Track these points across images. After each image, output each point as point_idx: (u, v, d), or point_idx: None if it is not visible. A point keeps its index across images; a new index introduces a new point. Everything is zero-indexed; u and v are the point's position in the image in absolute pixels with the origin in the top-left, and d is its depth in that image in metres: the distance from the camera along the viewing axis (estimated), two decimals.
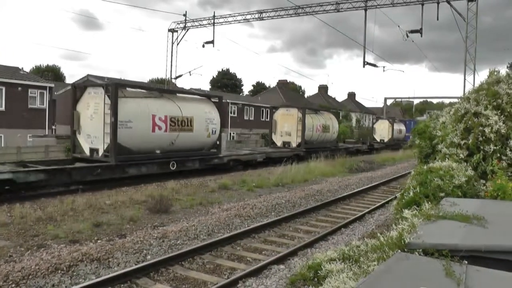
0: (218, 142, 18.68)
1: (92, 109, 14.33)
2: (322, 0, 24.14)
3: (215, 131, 18.24)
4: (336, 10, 23.98)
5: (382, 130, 44.35)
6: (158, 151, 15.55)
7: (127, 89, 15.11)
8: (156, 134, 15.25)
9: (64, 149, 19.96)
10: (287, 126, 25.60)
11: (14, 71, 28.74)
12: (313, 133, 26.82)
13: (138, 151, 14.80)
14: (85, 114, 14.59)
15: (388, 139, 44.46)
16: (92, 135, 14.39)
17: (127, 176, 14.52)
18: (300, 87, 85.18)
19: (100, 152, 14.12)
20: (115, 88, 13.70)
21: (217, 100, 19.17)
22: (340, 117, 43.99)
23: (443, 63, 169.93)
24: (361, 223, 10.47)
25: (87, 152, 14.61)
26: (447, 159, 7.73)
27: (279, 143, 25.88)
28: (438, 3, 21.17)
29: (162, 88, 21.81)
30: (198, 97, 19.45)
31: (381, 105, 65.66)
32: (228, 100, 43.28)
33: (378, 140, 43.71)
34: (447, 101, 47.66)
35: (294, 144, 25.40)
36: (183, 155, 16.72)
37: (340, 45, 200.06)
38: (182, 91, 25.02)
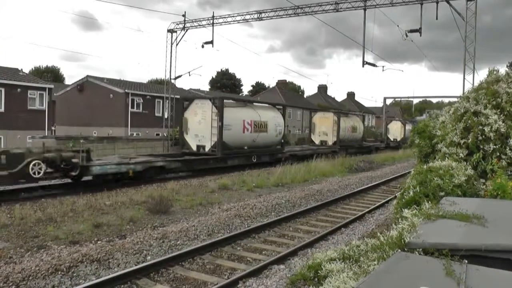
0: (282, 141, 23.84)
1: (200, 116, 19.19)
2: (321, 0, 24.14)
3: (281, 132, 23.32)
4: (335, 10, 23.96)
5: (395, 130, 48.24)
6: (246, 147, 20.49)
7: (225, 101, 19.62)
8: (245, 134, 20.33)
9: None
10: (324, 128, 30.58)
11: (14, 72, 28.74)
12: (345, 133, 31.66)
13: (234, 147, 19.59)
14: (193, 120, 19.44)
15: (400, 138, 47.60)
16: (200, 135, 19.21)
17: (226, 166, 18.78)
18: (299, 87, 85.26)
19: (207, 148, 18.93)
20: (221, 101, 18.84)
21: (281, 107, 25.03)
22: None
23: (443, 63, 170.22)
24: (361, 222, 10.47)
25: (194, 148, 19.44)
26: (446, 158, 7.73)
27: (317, 142, 30.72)
28: (437, 2, 21.15)
29: (247, 99, 27.96)
30: (267, 105, 24.45)
31: (380, 104, 65.76)
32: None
33: (392, 139, 47.86)
34: (446, 100, 48.74)
35: (330, 143, 30.17)
36: (260, 150, 21.64)
37: (340, 44, 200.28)
38: (257, 101, 30.56)
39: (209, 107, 18.88)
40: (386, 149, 42.46)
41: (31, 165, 11.59)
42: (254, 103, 23.81)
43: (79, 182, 13.64)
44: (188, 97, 22.05)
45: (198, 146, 19.26)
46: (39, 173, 11.82)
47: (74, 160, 12.70)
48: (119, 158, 15.61)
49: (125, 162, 14.61)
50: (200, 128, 19.16)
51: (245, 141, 20.41)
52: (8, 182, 11.88)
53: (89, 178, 13.80)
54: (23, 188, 12.27)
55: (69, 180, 13.65)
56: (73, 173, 12.96)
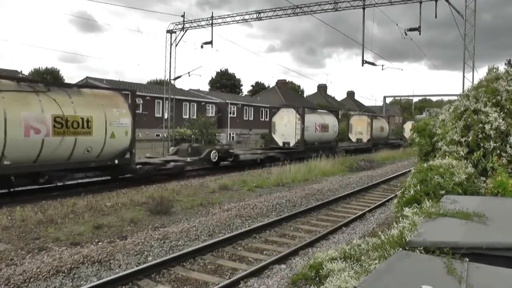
0: (337, 138, 31.44)
1: (286, 120, 26.54)
2: (320, 0, 24.12)
3: (336, 131, 30.95)
4: (334, 9, 23.94)
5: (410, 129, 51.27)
6: (316, 143, 27.75)
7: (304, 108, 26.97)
8: (316, 133, 27.99)
9: None
10: (360, 128, 37.87)
11: (13, 75, 28.72)
12: (375, 132, 38.84)
13: (310, 143, 26.87)
14: (280, 123, 26.87)
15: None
16: (286, 135, 26.59)
17: (306, 157, 23.62)
18: (299, 86, 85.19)
19: (292, 144, 26.32)
20: (303, 109, 26.57)
21: (335, 110, 33.48)
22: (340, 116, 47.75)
23: (442, 61, 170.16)
24: (362, 222, 10.47)
25: (280, 144, 26.75)
26: (447, 156, 7.72)
27: (354, 140, 37.91)
28: (436, 1, 21.15)
29: (314, 107, 35.94)
30: (325, 111, 32.12)
31: (380, 103, 65.83)
32: (227, 101, 43.32)
33: (407, 137, 49.69)
34: (446, 98, 49.33)
35: (365, 140, 37.47)
36: (324, 146, 28.31)
37: (340, 44, 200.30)
38: (318, 107, 38.31)
39: (293, 114, 26.23)
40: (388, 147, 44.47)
41: (211, 154, 19.28)
42: (318, 110, 32.17)
43: (229, 165, 20.66)
44: (275, 106, 30.08)
45: (283, 143, 26.30)
46: (214, 158, 19.41)
47: (231, 151, 20.65)
48: (251, 151, 24.24)
49: (255, 153, 22.69)
50: (285, 129, 26.69)
51: (315, 139, 27.94)
52: (198, 164, 19.08)
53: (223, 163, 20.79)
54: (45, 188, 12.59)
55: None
56: (230, 159, 20.49)
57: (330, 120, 30.24)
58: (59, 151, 12.17)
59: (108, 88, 16.72)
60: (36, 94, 11.70)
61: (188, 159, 18.09)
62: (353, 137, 37.99)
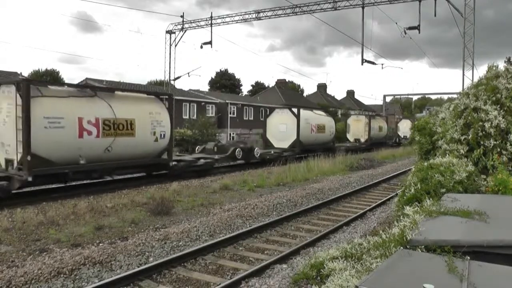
0: (334, 139, 32.64)
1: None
2: None
3: (333, 132, 31.76)
4: (333, 9, 23.96)
5: (405, 128, 51.07)
6: (312, 145, 28.01)
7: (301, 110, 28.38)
8: (312, 134, 28.02)
9: None
10: (357, 128, 37.92)
11: (13, 76, 28.71)
12: (374, 132, 39.20)
13: (307, 144, 27.06)
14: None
15: (409, 135, 50.49)
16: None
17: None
18: (299, 86, 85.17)
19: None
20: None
21: (332, 111, 38.55)
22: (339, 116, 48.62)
23: (443, 59, 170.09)
24: (363, 220, 10.47)
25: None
26: (447, 155, 7.72)
27: (351, 140, 37.91)
28: None
29: (310, 107, 38.23)
30: (322, 111, 33.11)
31: (380, 102, 65.80)
32: (227, 101, 43.32)
33: (402, 136, 51.19)
34: (445, 97, 49.36)
35: (362, 140, 37.46)
36: (320, 146, 28.83)
37: (340, 42, 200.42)
38: (315, 108, 39.75)
39: (290, 115, 25.91)
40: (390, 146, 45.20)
41: (236, 151, 21.35)
42: (314, 110, 31.56)
43: (250, 163, 22.06)
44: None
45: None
46: (239, 155, 21.48)
47: (255, 149, 22.68)
48: (269, 149, 25.30)
49: (276, 151, 24.23)
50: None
51: (312, 140, 27.69)
52: (225, 161, 21.07)
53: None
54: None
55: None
56: (257, 156, 22.40)
57: (327, 121, 30.04)
58: (112, 151, 13.61)
59: (148, 92, 17.72)
60: (91, 97, 13.34)
61: (216, 157, 19.81)
62: (350, 138, 38.09)
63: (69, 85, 14.35)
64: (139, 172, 15.94)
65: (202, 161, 17.96)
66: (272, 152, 23.81)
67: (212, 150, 21.41)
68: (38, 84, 12.78)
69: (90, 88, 14.56)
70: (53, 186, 13.32)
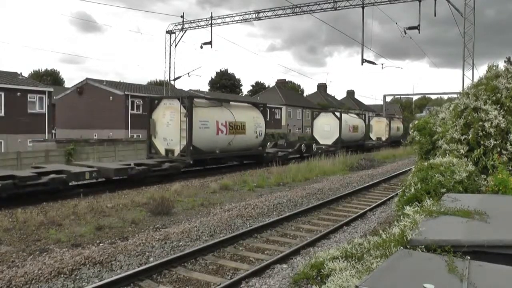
0: (364, 137, 38.23)
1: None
2: None
3: (363, 132, 37.54)
4: (333, 9, 23.96)
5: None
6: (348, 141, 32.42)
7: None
8: (349, 133, 33.52)
9: (64, 153, 19.92)
10: (379, 128, 43.30)
11: (13, 76, 28.72)
12: (393, 132, 44.31)
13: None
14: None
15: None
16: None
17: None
18: (299, 86, 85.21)
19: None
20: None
21: (363, 114, 44.28)
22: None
23: (443, 59, 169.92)
24: (363, 220, 10.47)
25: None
26: (447, 155, 7.72)
27: (374, 138, 42.86)
28: None
29: (346, 111, 40.86)
30: (355, 114, 38.88)
31: (380, 102, 65.81)
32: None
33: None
34: (445, 97, 49.64)
35: (384, 139, 42.40)
36: (354, 143, 34.04)
37: (341, 42, 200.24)
38: (349, 111, 44.62)
39: (332, 117, 32.03)
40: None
41: (301, 146, 26.01)
42: (350, 114, 37.29)
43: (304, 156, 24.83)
44: (317, 109, 39.13)
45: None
46: (303, 150, 25.80)
47: (313, 145, 27.33)
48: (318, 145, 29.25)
49: (328, 148, 29.24)
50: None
51: (349, 138, 33.33)
52: (294, 154, 25.10)
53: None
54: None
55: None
56: (314, 150, 26.59)
57: (359, 122, 37.28)
58: (234, 144, 19.50)
59: (249, 102, 24.44)
60: (215, 106, 19.08)
61: (290, 150, 25.28)
62: (373, 136, 42.90)
63: (207, 98, 21.46)
64: (245, 160, 21.68)
65: (280, 153, 23.56)
66: (323, 147, 29.12)
67: (283, 145, 26.64)
68: (192, 99, 17.64)
69: (218, 100, 20.44)
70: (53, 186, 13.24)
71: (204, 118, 17.56)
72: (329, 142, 31.05)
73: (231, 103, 20.66)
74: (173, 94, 28.41)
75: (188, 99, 16.99)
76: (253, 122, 20.62)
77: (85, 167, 13.85)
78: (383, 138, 42.44)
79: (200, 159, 17.85)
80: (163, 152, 17.49)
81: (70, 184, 13.13)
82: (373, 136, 42.91)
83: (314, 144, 27.90)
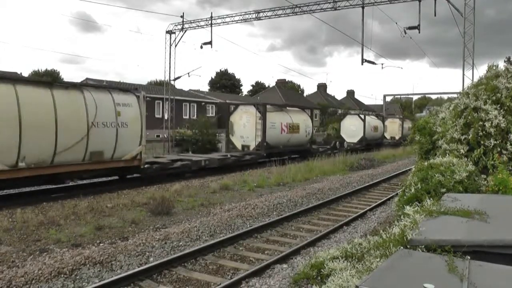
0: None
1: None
2: None
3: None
4: (333, 9, 23.94)
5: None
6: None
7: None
8: (371, 132, 37.27)
9: None
10: (393, 128, 46.57)
11: (14, 76, 28.65)
12: (405, 132, 45.39)
13: (405, 138, 31.11)
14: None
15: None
16: (393, 133, 45.84)
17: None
18: (299, 86, 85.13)
19: (397, 138, 44.31)
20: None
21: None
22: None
23: (443, 59, 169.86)
24: (363, 220, 10.47)
25: (388, 138, 44.79)
26: (447, 154, 7.72)
27: (388, 137, 45.67)
28: None
29: (281, 104, 37.65)
30: (296, 109, 32.84)
31: (380, 102, 65.87)
32: (227, 101, 43.31)
33: (388, 137, 56.06)
34: (446, 97, 50.04)
35: (397, 138, 45.17)
36: (375, 142, 38.17)
37: (341, 42, 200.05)
38: (286, 105, 41.46)
39: (358, 118, 36.87)
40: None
41: (336, 144, 32.70)
42: (371, 116, 41.32)
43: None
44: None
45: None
46: (338, 146, 31.50)
47: (345, 143, 33.15)
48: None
49: (352, 145, 34.01)
50: (393, 131, 43.87)
51: (371, 137, 38.02)
52: (331, 150, 30.35)
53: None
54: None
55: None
56: (345, 147, 31.67)
57: (378, 123, 40.72)
58: (292, 141, 24.85)
59: (299, 106, 29.64)
60: (280, 110, 24.64)
61: (328, 146, 30.55)
62: (387, 136, 46.39)
63: (271, 104, 25.07)
64: (295, 155, 25.29)
65: (321, 149, 28.71)
66: (351, 145, 34.21)
67: (321, 143, 32.28)
68: (265, 106, 22.54)
69: (278, 106, 25.86)
70: (53, 186, 13.30)
71: (272, 120, 22.72)
72: (355, 140, 35.93)
73: (287, 108, 26.01)
74: (173, 93, 28.42)
75: (262, 106, 22.37)
76: (304, 123, 26.00)
77: (198, 157, 18.60)
78: (397, 137, 45.76)
79: (269, 153, 22.53)
80: (239, 147, 22.68)
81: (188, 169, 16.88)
82: (387, 135, 46.16)
83: (345, 142, 33.94)
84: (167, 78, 28.41)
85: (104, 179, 14.64)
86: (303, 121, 26.05)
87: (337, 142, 32.29)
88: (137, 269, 6.42)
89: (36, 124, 11.05)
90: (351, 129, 36.41)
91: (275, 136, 22.83)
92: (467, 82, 18.56)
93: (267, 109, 22.47)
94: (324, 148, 29.56)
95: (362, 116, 37.01)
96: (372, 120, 39.86)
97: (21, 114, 10.71)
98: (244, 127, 22.47)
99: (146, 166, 14.86)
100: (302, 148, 26.02)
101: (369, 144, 36.69)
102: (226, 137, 23.70)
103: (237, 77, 76.09)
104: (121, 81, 42.12)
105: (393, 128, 46.87)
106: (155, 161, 16.18)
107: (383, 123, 45.61)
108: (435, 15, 21.26)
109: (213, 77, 73.90)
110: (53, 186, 13.26)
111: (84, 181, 14.04)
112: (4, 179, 10.59)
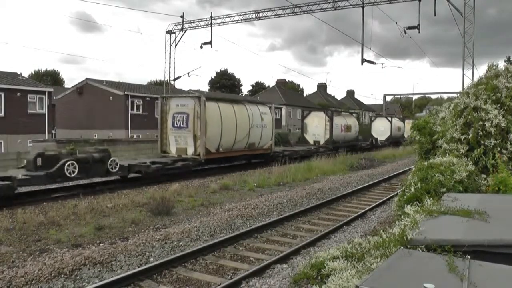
0: (358, 137, 40.67)
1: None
2: None
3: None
4: (333, 8, 23.96)
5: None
6: (340, 142, 35.28)
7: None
8: (341, 133, 35.69)
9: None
10: (409, 128, 45.40)
11: (13, 77, 28.70)
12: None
13: (336, 141, 33.84)
14: (409, 127, 46.92)
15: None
16: (409, 133, 36.90)
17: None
18: (299, 85, 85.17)
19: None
20: (332, 112, 34.25)
21: (357, 113, 44.78)
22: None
23: (443, 58, 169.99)
24: (363, 220, 10.47)
25: (406, 137, 40.42)
26: (447, 154, 7.71)
27: (405, 136, 45.82)
28: None
29: (338, 110, 44.56)
30: (348, 113, 40.80)
31: (380, 102, 65.86)
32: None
33: (378, 138, 56.63)
34: (446, 96, 50.33)
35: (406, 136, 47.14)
36: (349, 143, 35.99)
37: (341, 42, 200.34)
38: (343, 111, 47.26)
39: (385, 120, 44.15)
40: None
41: (373, 141, 41.67)
42: (342, 112, 41.19)
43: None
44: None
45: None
46: (374, 143, 41.15)
47: (372, 140, 42.16)
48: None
49: (384, 142, 42.24)
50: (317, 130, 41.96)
51: (395, 135, 44.28)
52: (368, 145, 39.98)
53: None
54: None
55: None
56: (379, 144, 41.91)
57: (401, 124, 47.37)
58: (346, 138, 33.60)
59: (346, 111, 38.05)
60: (339, 115, 33.93)
61: (367, 143, 38.71)
62: (406, 134, 49.45)
63: (332, 111, 30.80)
64: (348, 148, 30.80)
65: (363, 144, 36.50)
66: (382, 142, 41.40)
67: (362, 139, 38.14)
68: (333, 112, 30.86)
69: (337, 111, 32.86)
70: (54, 186, 13.29)
71: (337, 122, 31.34)
72: (383, 138, 42.94)
73: (342, 113, 36.02)
74: (173, 93, 28.44)
75: (331, 111, 31.96)
76: (353, 124, 34.80)
77: (295, 149, 26.91)
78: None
79: (334, 147, 30.22)
80: (311, 142, 30.98)
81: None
82: (406, 134, 50.07)
83: (380, 140, 41.50)
84: (167, 78, 28.44)
85: (104, 179, 14.64)
86: (353, 122, 35.54)
87: (373, 140, 39.71)
88: (137, 269, 6.41)
89: (227, 126, 18.58)
90: (380, 129, 43.40)
91: (337, 134, 31.22)
92: (467, 82, 18.58)
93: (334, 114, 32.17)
94: (365, 144, 38.04)
95: (390, 118, 44.63)
96: (396, 122, 47.28)
97: (222, 119, 18.25)
98: (316, 128, 31.06)
99: (274, 153, 22.54)
100: (353, 143, 34.29)
101: (394, 141, 43.18)
102: (300, 134, 33.82)
103: (237, 77, 76.20)
104: (121, 81, 42.10)
105: (409, 127, 51.09)
106: (284, 149, 25.57)
107: (404, 124, 50.80)
108: (435, 15, 21.28)
109: (213, 77, 73.97)
110: (53, 186, 13.26)
111: (84, 181, 14.05)
112: (213, 158, 18.21)
